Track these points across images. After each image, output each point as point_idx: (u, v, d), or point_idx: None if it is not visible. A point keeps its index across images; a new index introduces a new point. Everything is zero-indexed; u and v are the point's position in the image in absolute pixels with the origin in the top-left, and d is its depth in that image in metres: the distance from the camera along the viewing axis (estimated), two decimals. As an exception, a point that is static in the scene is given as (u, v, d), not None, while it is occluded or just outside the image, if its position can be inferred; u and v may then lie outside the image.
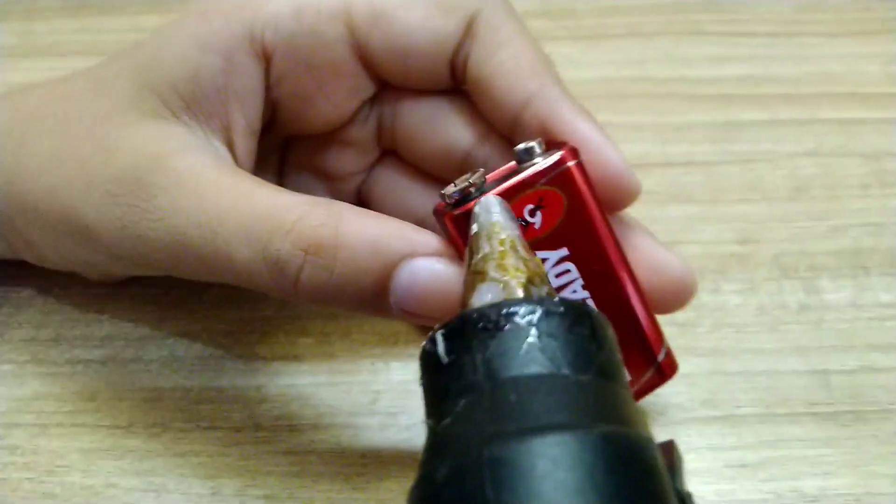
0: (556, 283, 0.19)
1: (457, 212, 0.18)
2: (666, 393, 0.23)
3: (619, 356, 0.15)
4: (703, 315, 0.25)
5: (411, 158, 0.23)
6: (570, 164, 0.19)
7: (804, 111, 0.32)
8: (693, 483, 0.21)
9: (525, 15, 0.21)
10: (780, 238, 0.27)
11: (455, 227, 0.18)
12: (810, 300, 0.25)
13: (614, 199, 0.20)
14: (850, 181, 0.29)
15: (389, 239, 0.18)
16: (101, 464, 0.22)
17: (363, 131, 0.23)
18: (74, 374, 0.24)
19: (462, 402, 0.14)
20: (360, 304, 0.19)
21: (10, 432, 0.23)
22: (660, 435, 0.22)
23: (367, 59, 0.21)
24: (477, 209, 0.18)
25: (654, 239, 0.21)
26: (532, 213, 0.19)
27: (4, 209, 0.22)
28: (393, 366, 0.24)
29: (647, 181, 0.28)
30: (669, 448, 0.15)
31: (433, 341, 0.15)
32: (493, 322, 0.14)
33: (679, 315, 0.25)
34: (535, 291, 0.16)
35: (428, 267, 0.18)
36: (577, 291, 0.19)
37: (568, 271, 0.19)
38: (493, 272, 0.16)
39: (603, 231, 0.19)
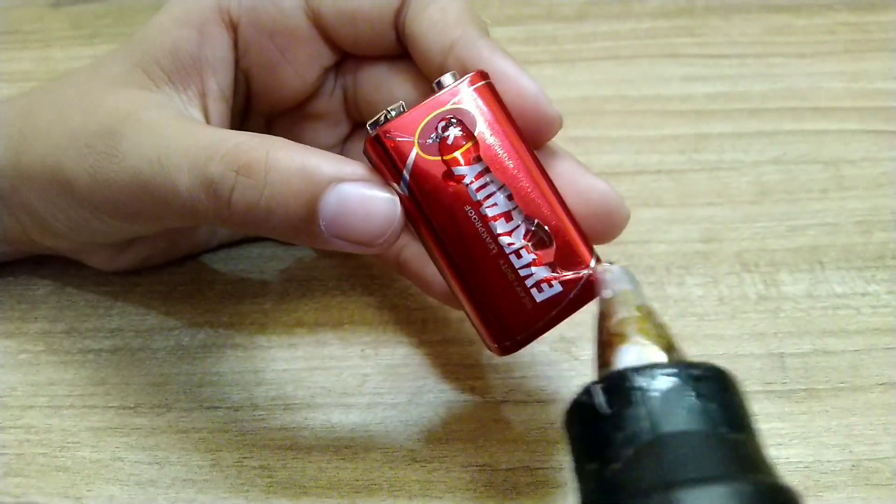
0: (478, 196, 0.20)
1: (374, 133, 0.20)
2: (631, 372, 0.25)
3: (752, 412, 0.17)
4: (668, 305, 0.28)
5: None
6: (479, 83, 0.20)
7: (770, 124, 0.35)
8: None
9: (510, 41, 0.24)
10: (742, 237, 0.30)
11: (373, 150, 0.20)
12: (769, 292, 0.28)
13: (535, 128, 0.21)
14: (810, 186, 0.32)
15: (318, 164, 0.20)
16: (110, 440, 0.25)
17: (331, 103, 0.26)
18: (86, 362, 0.27)
19: (631, 450, 0.15)
20: (290, 228, 0.20)
21: (26, 413, 0.26)
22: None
23: (321, 26, 0.24)
24: (608, 277, 0.19)
25: (582, 166, 0.22)
26: (445, 129, 0.20)
27: (13, 180, 0.25)
28: (381, 352, 0.27)
29: (620, 187, 0.31)
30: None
31: (589, 393, 0.16)
32: (656, 380, 0.16)
33: (645, 304, 0.27)
34: (674, 356, 0.17)
35: (356, 191, 0.19)
36: (500, 204, 0.20)
37: (488, 184, 0.20)
38: (634, 336, 0.18)
39: (518, 145, 0.20)
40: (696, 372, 0.16)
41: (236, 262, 0.30)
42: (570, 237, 0.20)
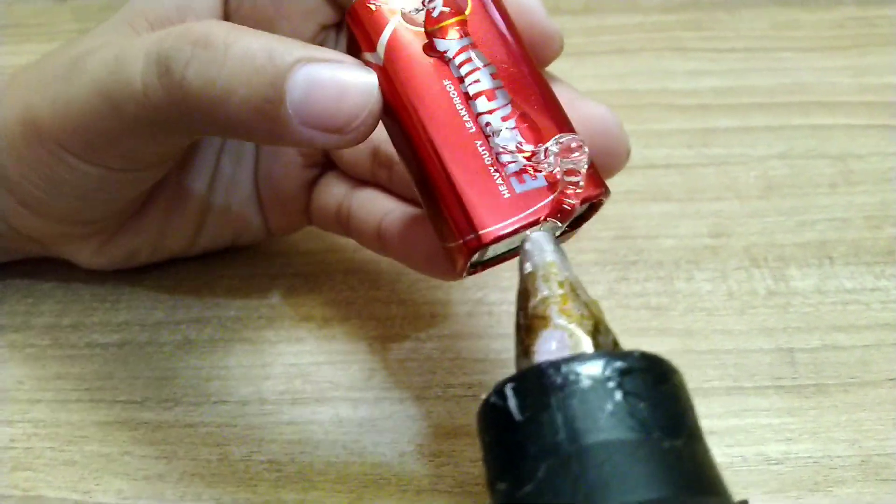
0: (460, 71, 0.19)
1: (360, 4, 0.19)
2: (640, 367, 0.26)
3: (697, 413, 0.14)
4: (677, 300, 0.28)
5: None
6: None
7: (777, 118, 0.35)
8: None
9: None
10: (750, 232, 0.30)
11: (352, 19, 0.19)
12: (778, 287, 0.28)
13: (535, 44, 0.20)
14: (818, 180, 0.32)
15: (286, 44, 0.18)
16: (117, 434, 0.25)
17: None
18: (93, 356, 0.27)
19: (543, 466, 0.13)
20: (253, 112, 0.18)
21: (33, 407, 0.26)
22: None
23: None
24: (528, 246, 0.17)
25: (578, 92, 0.21)
26: (432, 1, 0.19)
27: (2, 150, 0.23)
28: (388, 346, 0.27)
29: (629, 182, 0.32)
30: None
31: (501, 395, 0.14)
32: (573, 378, 0.13)
33: (653, 299, 0.28)
34: (601, 340, 0.15)
35: (328, 69, 0.18)
36: (483, 81, 0.19)
37: (472, 59, 0.19)
38: (556, 318, 0.15)
39: (511, 31, 0.19)
40: (622, 364, 0.14)
41: (244, 257, 0.30)
42: (561, 126, 0.19)
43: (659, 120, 0.35)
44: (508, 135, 0.18)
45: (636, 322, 0.27)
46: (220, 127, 0.20)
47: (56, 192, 0.24)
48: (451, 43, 0.19)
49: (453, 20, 0.19)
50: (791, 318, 0.27)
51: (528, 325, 0.16)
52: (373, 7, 0.19)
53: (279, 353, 0.27)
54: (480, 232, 0.18)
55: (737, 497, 0.14)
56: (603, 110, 0.20)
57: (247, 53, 0.18)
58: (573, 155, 0.18)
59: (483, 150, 0.18)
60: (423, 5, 0.19)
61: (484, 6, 0.20)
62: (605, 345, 0.15)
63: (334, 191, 0.26)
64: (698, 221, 0.31)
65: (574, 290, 0.16)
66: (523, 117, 0.19)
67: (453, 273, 0.20)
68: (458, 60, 0.19)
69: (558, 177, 0.18)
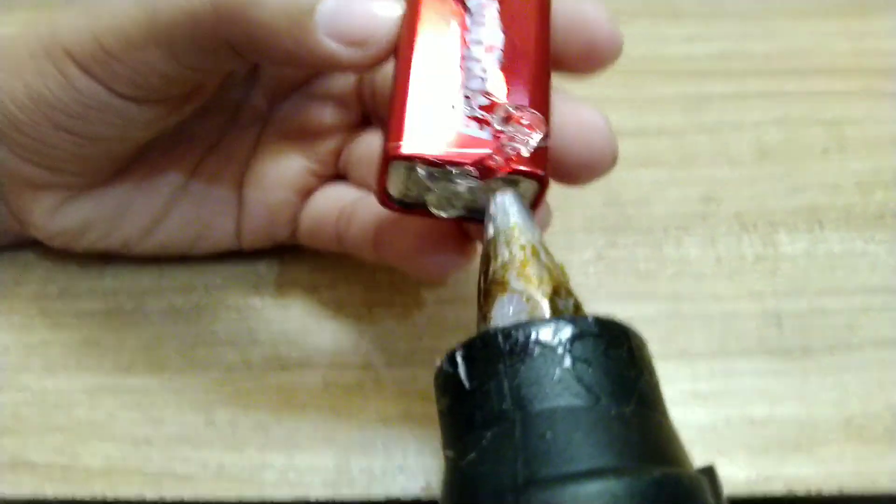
0: (472, 21, 0.20)
1: None
2: (626, 331, 0.26)
3: (657, 378, 0.14)
4: (665, 266, 0.28)
5: None
6: None
7: (772, 84, 0.35)
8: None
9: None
10: (741, 198, 0.30)
11: None
12: (767, 252, 0.28)
13: (590, 54, 0.21)
14: (811, 146, 0.32)
15: None
16: (105, 400, 0.25)
17: (342, 84, 0.25)
18: (79, 324, 0.27)
19: (488, 434, 0.13)
20: (285, 19, 0.19)
21: (20, 374, 0.26)
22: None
23: None
24: (493, 209, 0.17)
25: (577, 99, 0.21)
26: None
27: None
28: (375, 311, 0.27)
29: (620, 147, 0.31)
30: (712, 475, 0.14)
31: (452, 362, 0.14)
32: (521, 344, 0.13)
33: (641, 265, 0.28)
34: (561, 304, 0.15)
35: None
36: (488, 38, 0.20)
37: (487, 18, 0.20)
38: (514, 282, 0.15)
39: (543, 13, 0.20)
40: (572, 328, 0.13)
41: (229, 224, 0.30)
42: (536, 103, 0.19)
43: (652, 85, 0.35)
44: (480, 82, 0.19)
45: (623, 287, 0.27)
46: (250, 34, 0.20)
47: (38, 114, 0.22)
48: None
49: None
50: (779, 283, 0.27)
51: (487, 289, 0.16)
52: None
53: (265, 320, 0.27)
54: (402, 143, 0.18)
55: (704, 462, 0.14)
56: (594, 114, 0.20)
57: None
58: (525, 125, 0.18)
59: (451, 85, 0.19)
60: None
61: None
62: (565, 309, 0.15)
63: (340, 196, 0.26)
64: (689, 187, 0.31)
65: (536, 253, 0.16)
66: (505, 79, 0.19)
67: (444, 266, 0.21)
68: (476, 13, 0.20)
69: (501, 137, 0.18)
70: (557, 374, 0.13)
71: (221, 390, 0.25)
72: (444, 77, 0.19)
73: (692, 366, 0.25)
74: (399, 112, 0.19)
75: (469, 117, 0.19)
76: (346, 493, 0.23)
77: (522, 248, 0.16)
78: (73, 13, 0.22)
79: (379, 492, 0.23)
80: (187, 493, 0.23)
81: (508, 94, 0.19)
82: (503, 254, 0.16)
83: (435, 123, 0.18)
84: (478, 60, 0.19)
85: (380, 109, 0.25)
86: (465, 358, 0.14)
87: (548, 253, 0.16)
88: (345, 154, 0.26)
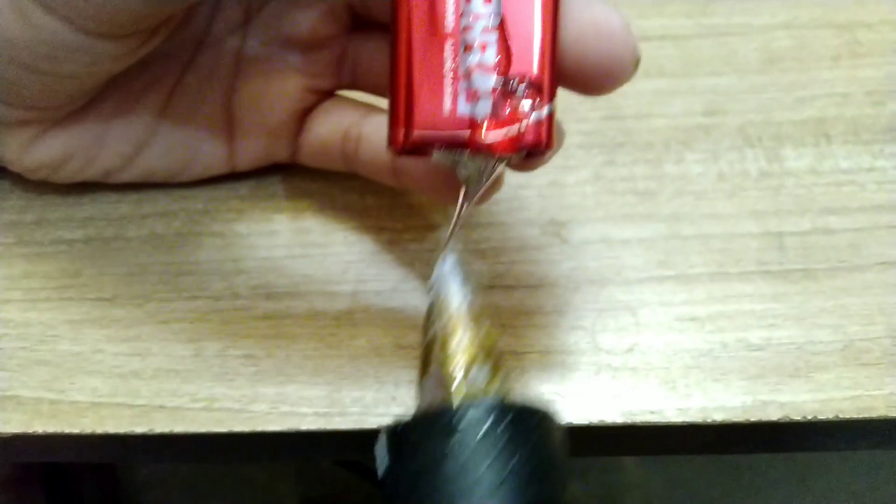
0: None
1: None
2: (622, 255, 0.25)
3: (555, 455, 0.14)
4: (665, 184, 0.27)
5: None
6: None
7: (782, -17, 0.33)
8: (644, 335, 0.24)
9: None
10: (746, 109, 0.29)
11: None
12: (771, 168, 0.27)
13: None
14: (821, 53, 0.30)
15: None
16: (89, 332, 0.25)
17: None
18: (59, 254, 0.27)
19: None
20: None
21: (2, 307, 0.26)
22: (617, 294, 0.25)
23: None
24: (435, 274, 0.18)
25: None
26: None
27: None
28: (364, 238, 0.27)
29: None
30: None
31: (375, 449, 0.15)
32: (410, 441, 0.14)
33: (640, 184, 0.27)
34: (473, 375, 0.16)
35: None
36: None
37: None
38: (434, 365, 0.16)
39: None
40: (456, 419, 0.14)
41: (209, 146, 0.29)
42: (542, 66, 0.18)
43: (655, -13, 0.33)
44: (479, 53, 0.18)
45: (622, 208, 0.27)
46: None
47: (1, 56, 0.21)
48: None
49: None
50: (783, 201, 0.27)
51: (422, 355, 0.17)
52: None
53: (251, 247, 0.27)
54: (401, 136, 0.19)
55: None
56: (611, 15, 0.19)
57: None
58: (527, 95, 0.18)
59: (448, 61, 0.18)
60: None
61: None
62: (476, 381, 0.16)
63: (341, 116, 0.25)
64: (692, 98, 0.29)
65: (460, 322, 0.17)
66: (504, 46, 0.18)
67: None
68: None
69: (501, 112, 0.18)
70: (445, 468, 0.14)
71: (209, 321, 0.25)
72: (440, 53, 0.18)
73: (690, 289, 0.25)
74: (396, 98, 0.18)
75: (469, 93, 0.18)
76: (338, 423, 0.23)
77: (450, 318, 0.17)
78: None
79: (372, 422, 0.23)
80: (178, 427, 0.23)
81: (509, 64, 0.18)
82: (434, 327, 0.17)
83: (434, 106, 0.18)
84: (474, 28, 0.18)
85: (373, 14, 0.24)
86: (378, 449, 0.15)
87: (476, 317, 0.17)
88: (348, 65, 0.25)
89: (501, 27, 0.18)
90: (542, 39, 0.18)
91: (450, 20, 0.18)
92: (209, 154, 0.26)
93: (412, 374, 0.24)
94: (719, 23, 0.32)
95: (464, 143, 0.18)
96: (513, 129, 0.18)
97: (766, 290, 0.25)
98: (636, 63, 0.19)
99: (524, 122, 0.18)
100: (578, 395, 0.23)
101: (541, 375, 0.23)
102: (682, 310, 0.24)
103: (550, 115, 0.18)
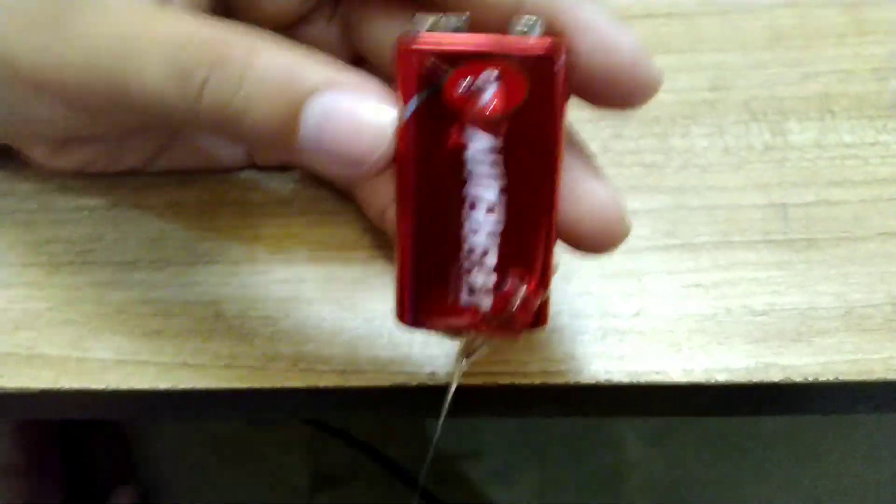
0: (470, 167, 0.18)
1: (415, 45, 0.17)
2: (631, 223, 0.26)
3: None
4: (671, 157, 0.28)
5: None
6: (559, 58, 0.18)
7: (789, -38, 0.33)
8: (649, 303, 0.25)
9: None
10: (751, 84, 0.30)
11: (403, 63, 0.18)
12: (776, 141, 0.28)
13: (624, 91, 0.19)
14: (826, 30, 0.31)
15: (306, 67, 0.18)
16: (112, 295, 0.26)
17: (328, 32, 0.24)
18: (81, 220, 0.28)
19: None
20: (265, 135, 0.18)
21: (27, 270, 0.27)
22: (624, 262, 0.25)
23: None
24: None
25: (591, 167, 0.21)
26: (485, 79, 0.18)
27: None
28: (378, 206, 0.27)
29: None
30: None
31: None
32: None
33: (647, 157, 0.28)
34: None
35: (346, 103, 0.18)
36: (487, 193, 0.19)
37: (491, 164, 0.18)
38: None
39: (552, 148, 0.18)
40: None
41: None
42: (544, 268, 0.19)
43: (663, -35, 0.34)
44: (479, 247, 0.19)
45: (629, 180, 0.27)
46: (231, 137, 0.21)
47: (23, 118, 0.23)
48: (479, 135, 0.18)
49: (497, 114, 0.18)
50: (787, 173, 0.27)
51: None
52: (427, 61, 0.17)
53: (267, 215, 0.27)
54: (405, 313, 0.20)
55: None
56: (609, 196, 0.20)
57: (266, 74, 0.18)
58: (521, 291, 0.19)
59: (452, 246, 0.19)
60: (474, 81, 0.17)
61: (541, 107, 0.18)
62: None
63: None
64: (698, 74, 0.30)
65: None
66: (506, 242, 0.19)
67: None
68: (476, 157, 0.18)
69: (497, 305, 0.20)
70: None
71: (228, 284, 0.26)
72: (442, 245, 0.19)
73: (695, 258, 0.25)
74: (402, 285, 0.20)
75: (470, 287, 0.19)
76: (355, 381, 0.24)
77: None
78: (26, 47, 0.21)
79: (385, 381, 0.24)
80: (200, 383, 0.24)
81: (507, 257, 0.19)
82: None
83: (438, 295, 0.20)
84: (476, 220, 0.19)
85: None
86: None
87: None
88: (367, 44, 0.24)
89: (505, 215, 0.19)
90: (545, 249, 0.19)
91: (453, 208, 0.19)
92: (229, 153, 0.27)
93: (425, 336, 0.24)
94: (725, 0, 0.32)
95: (465, 328, 0.20)
96: (510, 315, 0.19)
97: (770, 258, 0.25)
98: (626, 235, 0.20)
99: (522, 306, 0.19)
100: (585, 357, 0.24)
101: (549, 337, 0.24)
102: (688, 277, 0.25)
103: (546, 300, 0.20)
